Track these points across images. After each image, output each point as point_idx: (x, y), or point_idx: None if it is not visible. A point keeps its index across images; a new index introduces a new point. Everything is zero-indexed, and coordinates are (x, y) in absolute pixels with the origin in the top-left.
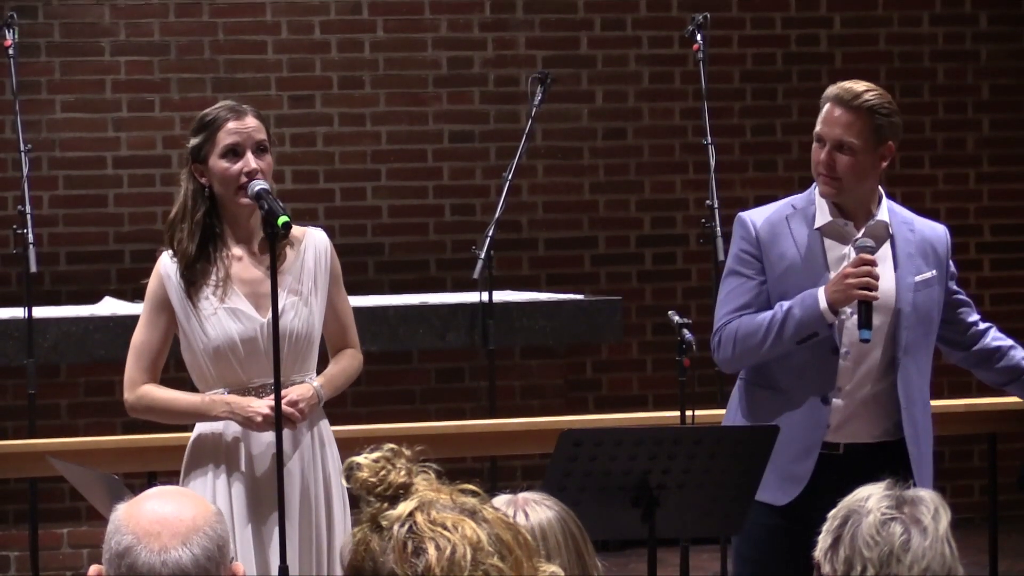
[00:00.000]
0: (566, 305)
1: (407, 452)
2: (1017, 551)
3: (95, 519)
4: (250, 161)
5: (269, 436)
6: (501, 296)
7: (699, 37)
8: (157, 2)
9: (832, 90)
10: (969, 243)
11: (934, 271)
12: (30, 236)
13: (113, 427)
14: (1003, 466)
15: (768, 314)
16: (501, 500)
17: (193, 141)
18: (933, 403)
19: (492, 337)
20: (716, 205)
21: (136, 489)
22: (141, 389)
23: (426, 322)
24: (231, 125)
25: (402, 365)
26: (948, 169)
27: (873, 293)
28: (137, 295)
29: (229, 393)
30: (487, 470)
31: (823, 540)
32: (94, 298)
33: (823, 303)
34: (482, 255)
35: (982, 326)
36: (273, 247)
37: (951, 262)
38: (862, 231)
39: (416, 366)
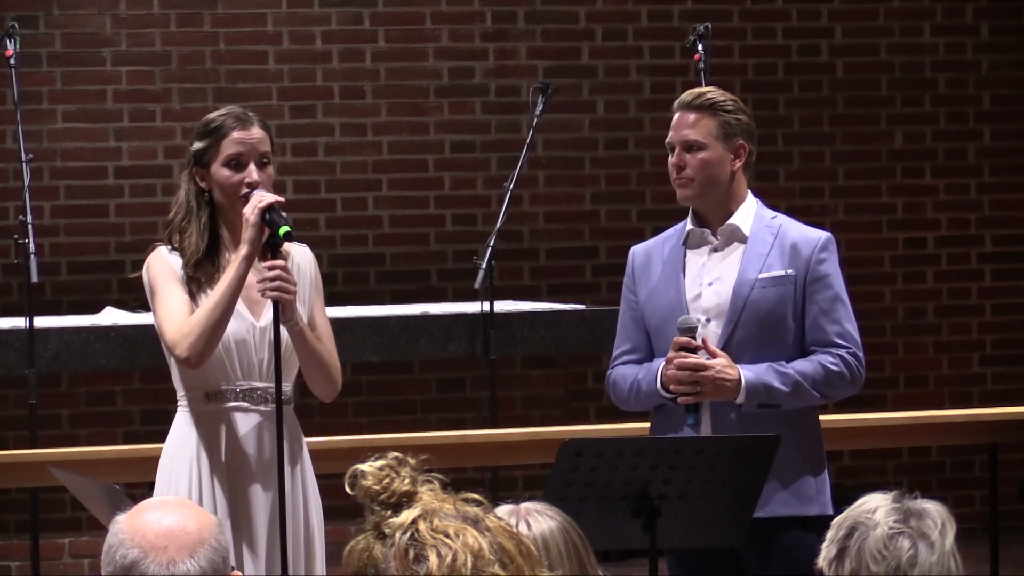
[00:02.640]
0: (567, 315)
1: (411, 461)
2: (1018, 561)
3: (96, 529)
4: (252, 173)
5: (251, 448)
6: (502, 306)
7: (700, 47)
8: (158, 12)
9: (678, 100)
10: (970, 253)
11: (790, 271)
12: (31, 246)
13: (114, 437)
14: (1004, 476)
15: (631, 377)
16: (503, 510)
17: (197, 145)
18: (934, 413)
19: (493, 347)
20: None
21: (138, 499)
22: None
23: (427, 332)
24: (236, 135)
25: (403, 375)
26: (949, 179)
27: (689, 393)
28: (139, 305)
29: (209, 393)
30: (488, 480)
31: (827, 549)
32: (95, 308)
33: (658, 383)
34: (483, 265)
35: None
36: (276, 255)
37: (822, 268)
38: (718, 236)
39: (417, 376)
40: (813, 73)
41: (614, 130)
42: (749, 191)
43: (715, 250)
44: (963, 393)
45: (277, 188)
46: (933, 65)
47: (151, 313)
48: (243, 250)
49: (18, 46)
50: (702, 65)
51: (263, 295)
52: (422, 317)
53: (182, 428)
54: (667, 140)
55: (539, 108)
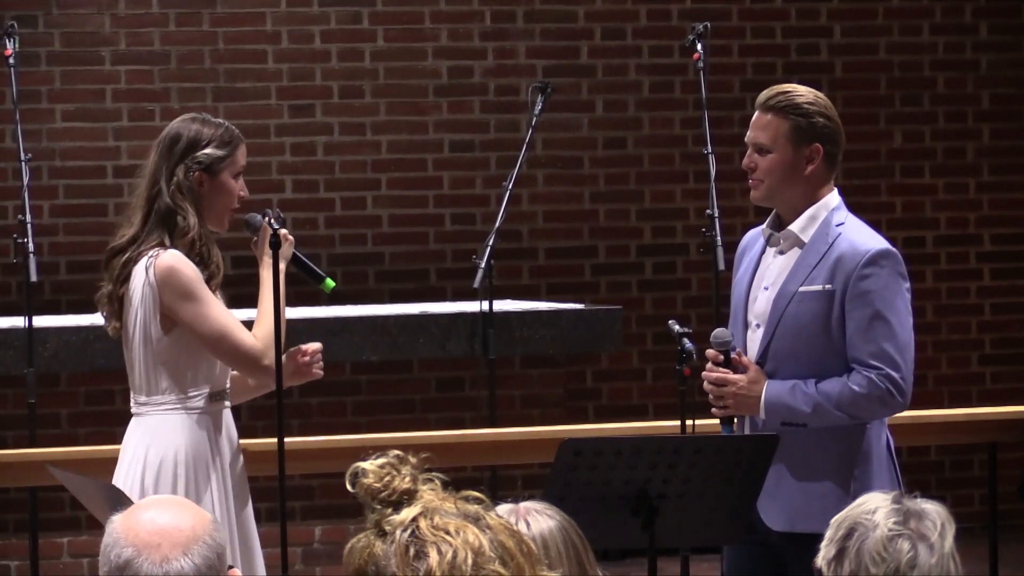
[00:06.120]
0: (566, 314)
1: (412, 459)
2: (1017, 560)
3: (95, 528)
4: (244, 186)
5: (234, 443)
6: (501, 305)
7: (699, 46)
8: (157, 11)
9: (759, 96)
10: (969, 252)
11: (828, 285)
12: (30, 245)
13: (113, 436)
14: (1003, 475)
15: None
16: (503, 509)
17: (215, 152)
18: (933, 412)
19: (492, 346)
20: (716, 214)
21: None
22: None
23: (426, 331)
24: (243, 148)
25: (402, 374)
26: (948, 178)
27: (722, 411)
28: None
29: (212, 393)
30: (487, 479)
31: (826, 549)
32: (94, 307)
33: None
34: (482, 264)
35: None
36: (275, 259)
37: (863, 285)
38: (780, 241)
39: (416, 375)
40: (812, 72)
41: (613, 129)
42: (834, 191)
43: (781, 252)
44: (962, 392)
45: (277, 187)
46: (932, 64)
47: (187, 316)
48: (282, 264)
49: (17, 45)
50: (701, 64)
51: (308, 368)
52: (421, 316)
53: (189, 431)
54: (745, 137)
55: (538, 107)
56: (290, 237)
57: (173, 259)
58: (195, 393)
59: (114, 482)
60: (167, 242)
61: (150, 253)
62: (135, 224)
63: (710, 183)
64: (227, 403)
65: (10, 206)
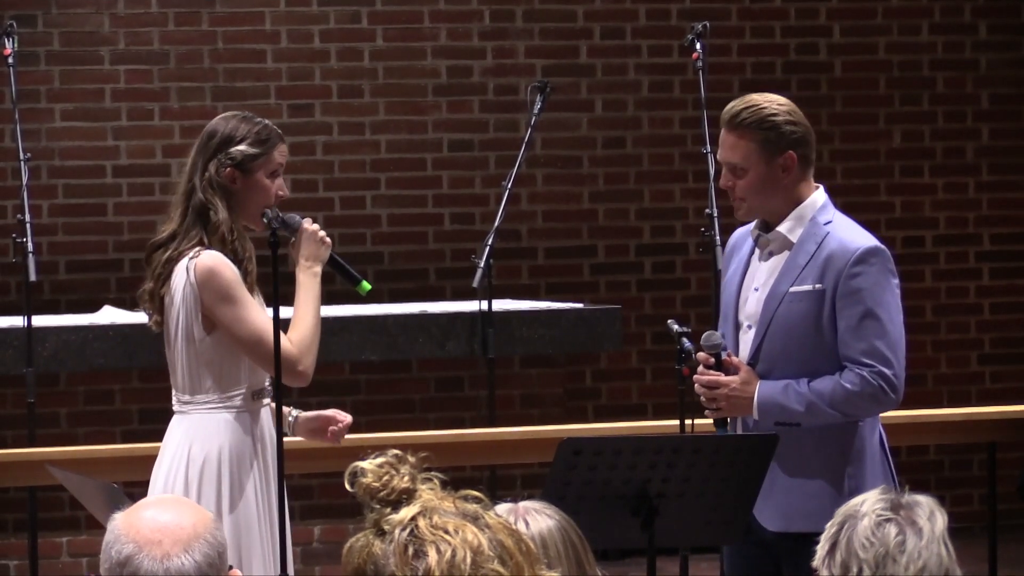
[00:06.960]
0: (565, 314)
1: (411, 458)
2: (1016, 560)
3: (94, 528)
4: (283, 185)
5: (273, 441)
6: (500, 305)
7: (698, 46)
8: (156, 11)
9: (723, 112)
10: (968, 252)
11: (818, 285)
12: (29, 245)
13: (113, 436)
14: (1003, 475)
15: None
16: (502, 509)
17: (248, 149)
18: (933, 412)
19: (492, 346)
20: (715, 214)
21: (136, 498)
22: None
23: (425, 331)
24: (283, 148)
25: (402, 374)
26: (947, 178)
27: (714, 409)
28: (136, 304)
29: (253, 391)
30: (487, 479)
31: (821, 547)
32: (93, 307)
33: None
34: (481, 264)
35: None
36: (275, 254)
37: (853, 283)
38: (768, 245)
39: (416, 375)
40: (811, 72)
41: (612, 129)
42: (819, 189)
43: (771, 253)
44: (961, 392)
45: None
46: (931, 64)
47: (226, 318)
48: (318, 267)
49: (16, 45)
50: (700, 64)
51: (333, 438)
52: (420, 316)
53: (232, 429)
54: (717, 156)
55: (537, 107)
56: (328, 240)
57: (213, 260)
58: (237, 391)
59: (154, 478)
60: (206, 240)
61: (191, 254)
62: (174, 220)
63: (709, 182)
64: (266, 400)
65: (9, 206)
